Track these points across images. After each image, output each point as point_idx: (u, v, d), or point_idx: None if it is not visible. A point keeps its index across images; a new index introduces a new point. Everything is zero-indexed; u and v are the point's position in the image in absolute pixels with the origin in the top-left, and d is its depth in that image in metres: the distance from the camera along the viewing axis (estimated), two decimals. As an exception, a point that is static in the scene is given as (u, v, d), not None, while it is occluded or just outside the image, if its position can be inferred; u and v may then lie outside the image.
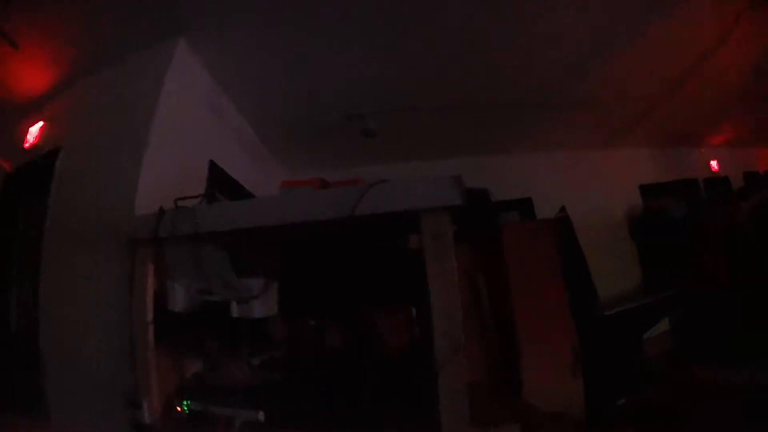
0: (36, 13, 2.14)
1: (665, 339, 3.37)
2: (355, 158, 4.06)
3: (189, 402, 1.55)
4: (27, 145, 2.70)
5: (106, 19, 2.18)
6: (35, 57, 2.39)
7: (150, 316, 1.63)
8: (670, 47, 2.88)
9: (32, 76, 2.54)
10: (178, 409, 1.57)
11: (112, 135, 2.16)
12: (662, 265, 3.60)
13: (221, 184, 2.80)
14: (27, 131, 2.75)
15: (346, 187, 1.20)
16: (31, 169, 2.56)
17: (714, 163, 4.81)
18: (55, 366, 2.04)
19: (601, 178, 3.65)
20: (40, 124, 2.69)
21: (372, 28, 2.42)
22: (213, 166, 2.72)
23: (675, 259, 3.54)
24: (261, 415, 1.37)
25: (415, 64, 2.76)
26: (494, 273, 2.23)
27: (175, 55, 2.25)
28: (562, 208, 2.35)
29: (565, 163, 3.76)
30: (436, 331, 1.11)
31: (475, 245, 2.12)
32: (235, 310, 1.49)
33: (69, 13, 2.16)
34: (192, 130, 2.49)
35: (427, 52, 2.65)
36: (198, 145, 2.58)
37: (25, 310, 2.40)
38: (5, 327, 2.48)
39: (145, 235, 1.52)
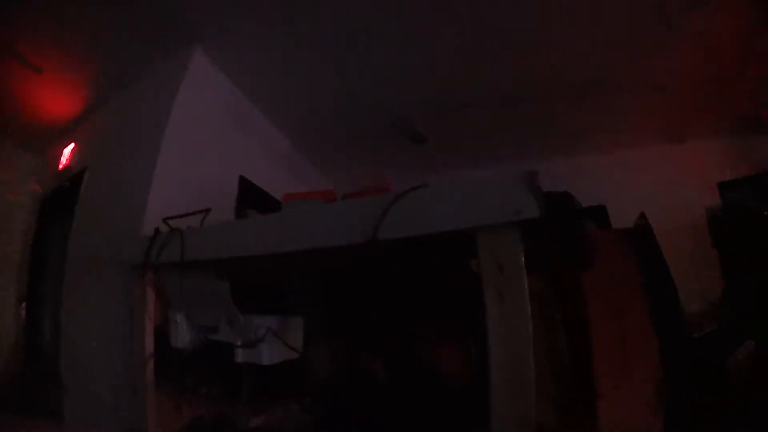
0: (54, 37, 2.00)
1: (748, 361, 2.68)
2: (405, 166, 3.47)
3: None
4: (60, 166, 2.56)
5: (121, 36, 1.99)
6: (59, 80, 2.26)
7: (150, 349, 1.34)
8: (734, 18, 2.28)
9: (59, 98, 2.40)
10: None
11: (125, 154, 1.94)
12: (745, 271, 2.91)
13: (253, 200, 2.49)
14: (62, 153, 2.62)
15: (364, 199, 0.79)
16: (61, 191, 2.40)
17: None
18: (72, 388, 1.84)
19: (676, 176, 3.02)
20: (72, 145, 2.55)
21: (414, 19, 2.01)
22: (243, 181, 2.42)
23: (757, 264, 2.87)
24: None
25: (464, 57, 2.29)
26: (567, 292, 1.77)
27: (190, 66, 2.00)
28: (642, 215, 1.83)
29: (636, 162, 3.10)
30: (495, 401, 0.70)
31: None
32: (239, 354, 1.14)
33: (85, 35, 2.00)
34: (215, 143, 2.21)
35: (477, 43, 2.18)
36: (223, 159, 2.30)
37: (54, 330, 2.25)
38: (39, 343, 2.35)
39: (139, 260, 1.21)
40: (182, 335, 1.32)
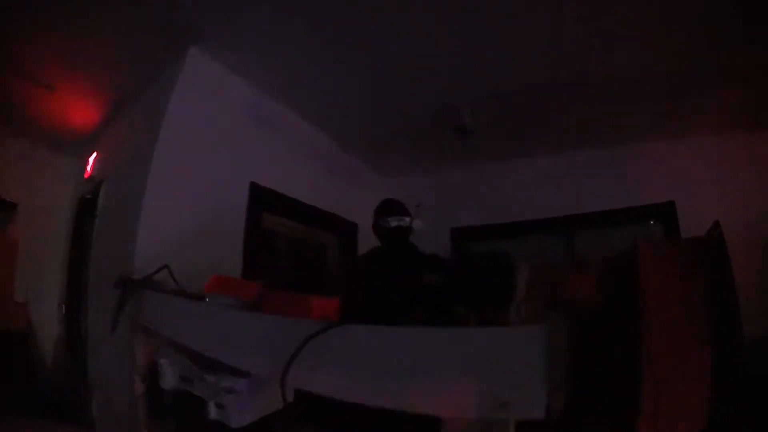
0: (60, 55, 1.95)
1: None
2: (453, 159, 3.23)
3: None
4: (86, 175, 2.60)
5: (120, 48, 1.89)
6: (72, 94, 2.25)
7: (141, 388, 1.30)
8: None
9: (77, 111, 2.39)
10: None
11: (125, 171, 1.87)
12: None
13: (270, 206, 2.35)
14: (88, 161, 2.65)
15: (273, 318, 0.59)
16: (86, 201, 2.43)
17: None
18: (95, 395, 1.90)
19: (750, 170, 2.47)
20: (94, 155, 2.56)
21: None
22: (254, 188, 2.23)
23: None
24: None
25: (515, 39, 1.88)
26: (623, 310, 1.57)
27: (184, 71, 1.83)
28: (716, 225, 1.49)
29: (706, 153, 2.56)
30: None
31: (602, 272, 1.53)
32: (212, 411, 1.04)
33: (87, 50, 1.91)
34: (228, 149, 2.06)
35: (531, 24, 1.78)
36: (240, 165, 2.14)
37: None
38: (76, 347, 2.45)
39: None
40: (167, 379, 1.25)
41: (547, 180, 3.06)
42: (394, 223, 1.74)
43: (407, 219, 1.78)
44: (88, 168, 2.58)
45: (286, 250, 2.76)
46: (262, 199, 2.26)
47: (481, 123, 2.56)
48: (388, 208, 1.83)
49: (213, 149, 1.99)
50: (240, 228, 2.09)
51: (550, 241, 2.98)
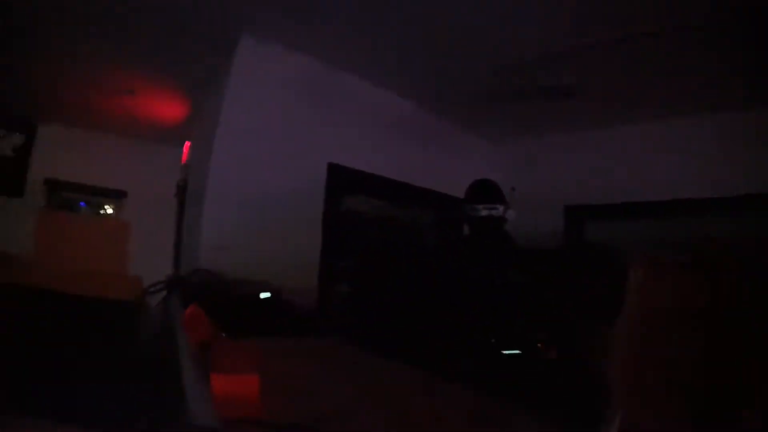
0: (133, 64, 2.18)
1: None
2: (566, 118, 2.58)
3: None
4: (183, 161, 2.78)
5: (178, 47, 1.95)
6: (150, 94, 2.50)
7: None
8: None
9: (159, 107, 2.65)
10: None
11: (197, 157, 1.89)
12: None
13: (351, 187, 2.24)
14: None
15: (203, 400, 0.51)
16: (180, 188, 2.61)
17: None
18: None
19: None
20: (186, 143, 2.71)
21: None
22: (332, 169, 2.09)
23: None
24: None
25: None
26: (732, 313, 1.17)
27: (236, 58, 1.78)
28: None
29: None
30: None
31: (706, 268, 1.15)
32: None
33: (148, 53, 2.04)
34: (294, 129, 1.96)
35: None
36: (310, 144, 2.02)
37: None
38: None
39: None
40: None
41: (675, 151, 2.39)
42: (484, 212, 1.48)
43: (500, 207, 1.49)
44: (183, 156, 2.76)
45: (371, 231, 2.59)
46: (341, 179, 2.13)
47: (590, 81, 2.05)
48: (479, 193, 1.56)
49: (282, 132, 1.92)
50: (318, 210, 2.01)
51: (677, 225, 2.35)
